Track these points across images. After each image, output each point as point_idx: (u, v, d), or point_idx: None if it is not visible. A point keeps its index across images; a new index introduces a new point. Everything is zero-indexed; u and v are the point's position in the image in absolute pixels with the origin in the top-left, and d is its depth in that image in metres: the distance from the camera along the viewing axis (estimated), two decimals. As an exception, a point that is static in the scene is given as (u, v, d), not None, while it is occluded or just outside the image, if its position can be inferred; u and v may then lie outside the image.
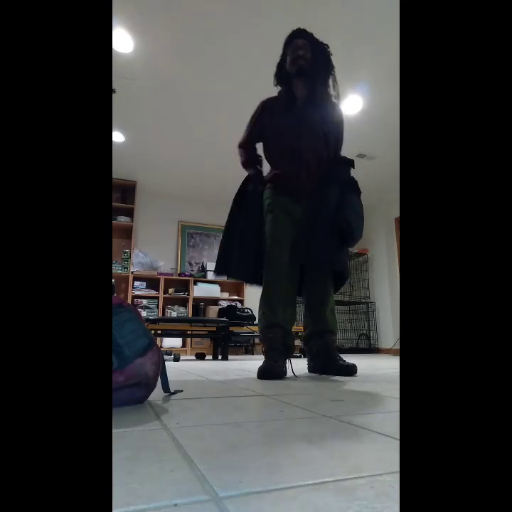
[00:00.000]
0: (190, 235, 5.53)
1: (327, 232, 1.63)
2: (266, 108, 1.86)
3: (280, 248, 1.68)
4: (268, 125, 1.83)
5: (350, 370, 1.60)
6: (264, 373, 1.49)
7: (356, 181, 1.77)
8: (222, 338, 3.47)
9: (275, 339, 1.64)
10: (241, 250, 1.73)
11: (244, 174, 1.92)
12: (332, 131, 1.84)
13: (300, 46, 1.81)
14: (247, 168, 1.90)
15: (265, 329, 1.67)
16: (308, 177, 1.74)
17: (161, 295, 4.83)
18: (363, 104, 3.45)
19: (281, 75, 1.89)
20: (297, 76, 1.81)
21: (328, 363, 1.67)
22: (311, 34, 1.85)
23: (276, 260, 1.67)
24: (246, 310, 4.22)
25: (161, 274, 4.93)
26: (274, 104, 1.85)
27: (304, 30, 1.86)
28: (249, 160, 1.89)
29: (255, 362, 2.83)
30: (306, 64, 1.78)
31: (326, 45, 1.84)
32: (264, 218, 1.77)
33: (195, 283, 5.06)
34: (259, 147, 1.92)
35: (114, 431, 0.58)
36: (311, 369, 1.77)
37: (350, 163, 1.79)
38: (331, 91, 1.87)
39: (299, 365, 2.02)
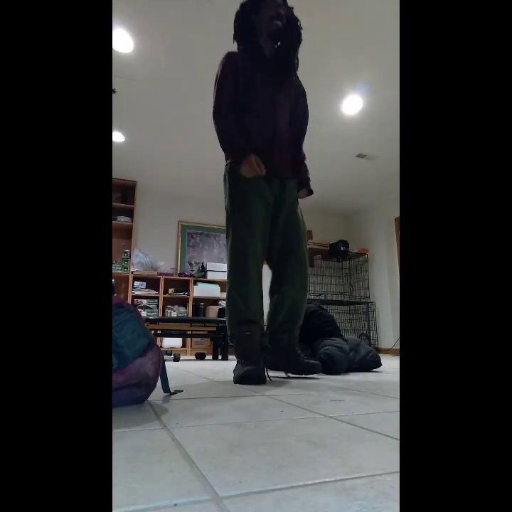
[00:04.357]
0: (190, 235, 5.53)
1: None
2: (237, 66, 1.51)
3: (254, 235, 1.48)
4: (242, 88, 1.50)
5: (312, 369, 1.43)
6: (244, 378, 1.26)
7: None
8: (222, 338, 3.47)
9: (253, 337, 1.41)
10: None
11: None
12: (300, 106, 1.67)
13: (279, 4, 1.53)
14: (229, 143, 1.53)
15: (240, 326, 1.44)
16: (280, 156, 1.55)
17: (161, 295, 4.82)
18: (362, 104, 3.45)
19: (246, 32, 1.58)
20: (270, 37, 1.55)
21: (293, 361, 1.48)
22: None
23: (251, 247, 1.46)
24: (246, 310, 4.20)
25: (161, 274, 4.92)
26: (244, 64, 1.52)
27: None
28: (233, 132, 1.51)
29: (255, 362, 2.82)
30: (283, 26, 1.53)
31: (297, 17, 1.61)
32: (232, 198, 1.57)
33: (195, 283, 5.06)
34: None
35: (114, 431, 0.58)
36: (272, 366, 1.55)
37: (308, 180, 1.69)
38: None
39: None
